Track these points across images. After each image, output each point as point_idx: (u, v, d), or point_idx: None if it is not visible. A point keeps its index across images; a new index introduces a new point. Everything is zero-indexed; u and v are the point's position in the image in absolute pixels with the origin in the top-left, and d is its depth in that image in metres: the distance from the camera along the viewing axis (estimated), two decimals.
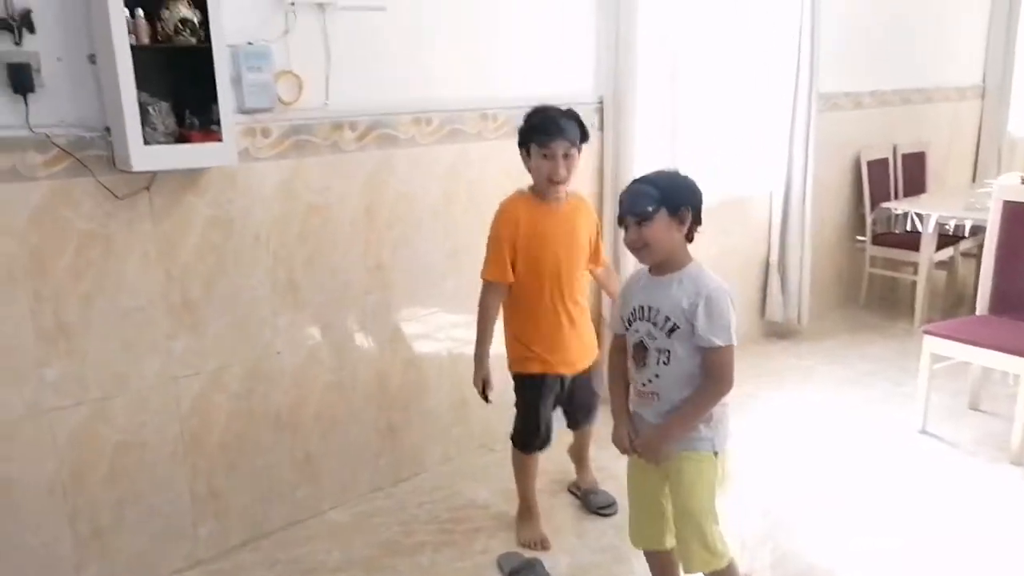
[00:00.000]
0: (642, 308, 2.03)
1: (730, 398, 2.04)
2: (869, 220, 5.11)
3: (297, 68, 2.63)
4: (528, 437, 2.69)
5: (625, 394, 2.16)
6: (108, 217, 2.31)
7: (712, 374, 1.97)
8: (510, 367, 2.66)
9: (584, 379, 2.72)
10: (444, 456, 3.31)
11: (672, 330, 1.97)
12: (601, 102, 3.61)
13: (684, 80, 3.88)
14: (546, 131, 2.39)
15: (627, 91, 3.57)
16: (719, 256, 3.92)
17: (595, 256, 2.69)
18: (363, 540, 2.79)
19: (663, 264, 2.01)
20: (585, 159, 3.66)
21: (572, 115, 2.45)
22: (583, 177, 3.61)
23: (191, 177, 2.44)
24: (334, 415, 2.93)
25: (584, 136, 2.47)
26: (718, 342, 1.94)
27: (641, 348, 2.03)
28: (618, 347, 2.16)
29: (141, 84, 2.17)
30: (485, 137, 3.18)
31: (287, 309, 2.74)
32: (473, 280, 2.61)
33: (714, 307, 1.93)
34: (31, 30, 2.11)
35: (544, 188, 2.49)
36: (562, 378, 2.65)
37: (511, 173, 2.90)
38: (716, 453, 2.04)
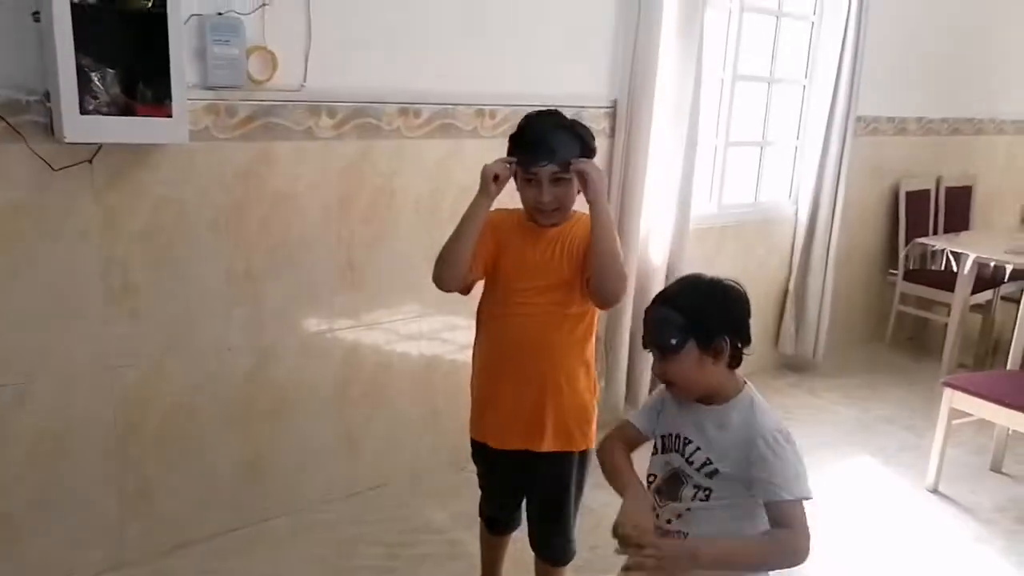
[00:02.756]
0: (676, 438, 1.63)
1: None
2: (902, 254, 4.78)
3: (273, 45, 2.44)
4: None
5: (631, 466, 1.68)
6: (42, 189, 2.13)
7: (785, 531, 1.49)
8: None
9: (551, 469, 2.03)
10: (411, 471, 3.09)
11: (712, 474, 1.58)
12: (614, 105, 3.37)
13: (710, 87, 3.63)
14: (530, 150, 1.88)
15: (643, 95, 3.32)
16: (737, 278, 3.63)
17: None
18: (298, 555, 2.59)
19: (704, 396, 1.62)
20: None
21: (571, 128, 1.91)
22: None
23: (142, 152, 2.26)
24: (286, 418, 2.73)
25: (586, 154, 1.91)
26: (787, 495, 1.49)
27: (675, 479, 1.63)
28: (628, 438, 1.73)
29: (86, 47, 2.01)
30: (480, 134, 2.96)
31: (243, 303, 2.55)
32: None
33: (777, 451, 1.53)
34: None
35: (533, 216, 1.97)
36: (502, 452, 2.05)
37: None
38: None
